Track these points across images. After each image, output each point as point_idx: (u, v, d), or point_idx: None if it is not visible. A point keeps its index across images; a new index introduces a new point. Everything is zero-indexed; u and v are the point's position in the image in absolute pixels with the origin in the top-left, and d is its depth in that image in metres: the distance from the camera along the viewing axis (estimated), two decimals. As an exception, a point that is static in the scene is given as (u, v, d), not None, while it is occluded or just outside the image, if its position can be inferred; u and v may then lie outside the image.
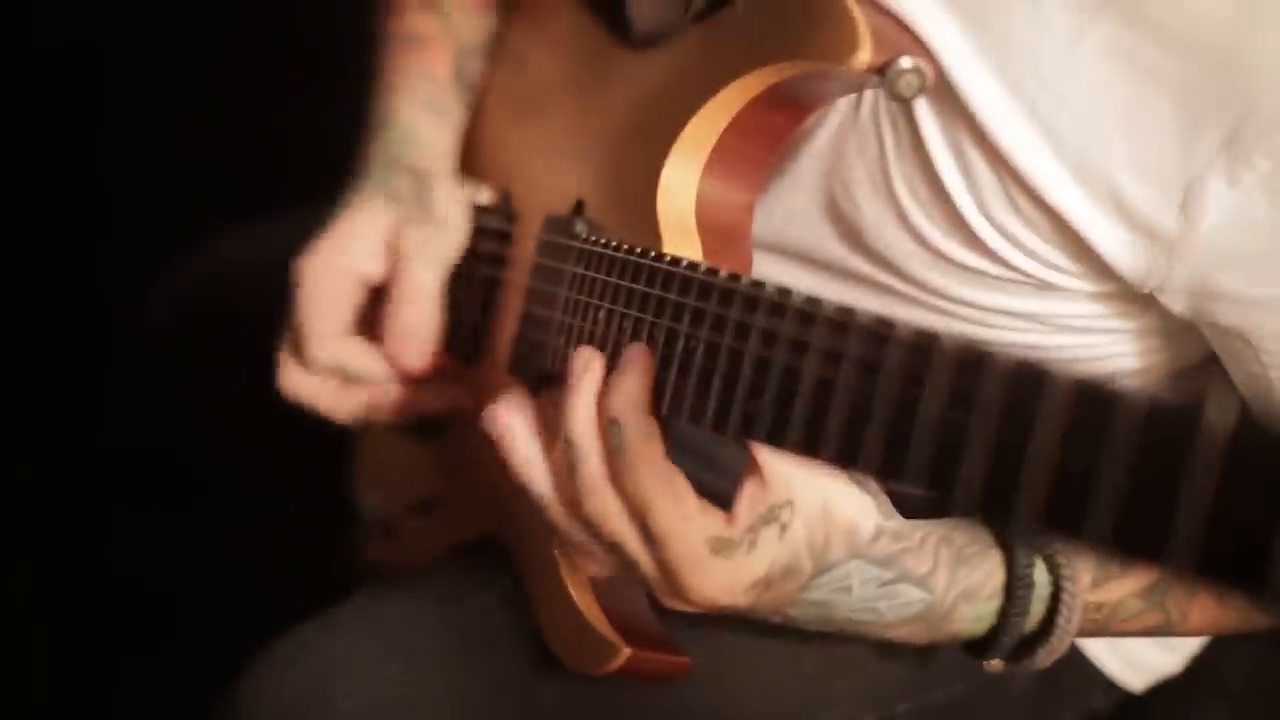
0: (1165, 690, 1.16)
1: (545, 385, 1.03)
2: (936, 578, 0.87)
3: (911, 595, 0.87)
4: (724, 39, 0.94)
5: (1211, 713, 1.21)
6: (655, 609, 0.98)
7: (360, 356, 1.09)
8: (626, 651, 0.94)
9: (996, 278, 0.92)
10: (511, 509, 1.07)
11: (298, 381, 1.11)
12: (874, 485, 0.86)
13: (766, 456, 0.82)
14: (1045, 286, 0.91)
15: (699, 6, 0.96)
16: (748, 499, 0.82)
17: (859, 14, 0.84)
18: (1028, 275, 0.91)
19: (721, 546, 0.82)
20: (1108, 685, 1.13)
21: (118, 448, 2.18)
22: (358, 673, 1.06)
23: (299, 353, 1.10)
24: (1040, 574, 0.89)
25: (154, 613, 2.02)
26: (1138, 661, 1.13)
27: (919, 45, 0.85)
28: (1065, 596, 0.88)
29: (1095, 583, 0.90)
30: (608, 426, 0.83)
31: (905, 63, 0.84)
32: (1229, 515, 0.54)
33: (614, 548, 0.85)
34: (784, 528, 0.82)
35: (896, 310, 0.97)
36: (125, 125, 2.42)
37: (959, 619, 0.89)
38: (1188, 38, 0.79)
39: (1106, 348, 0.95)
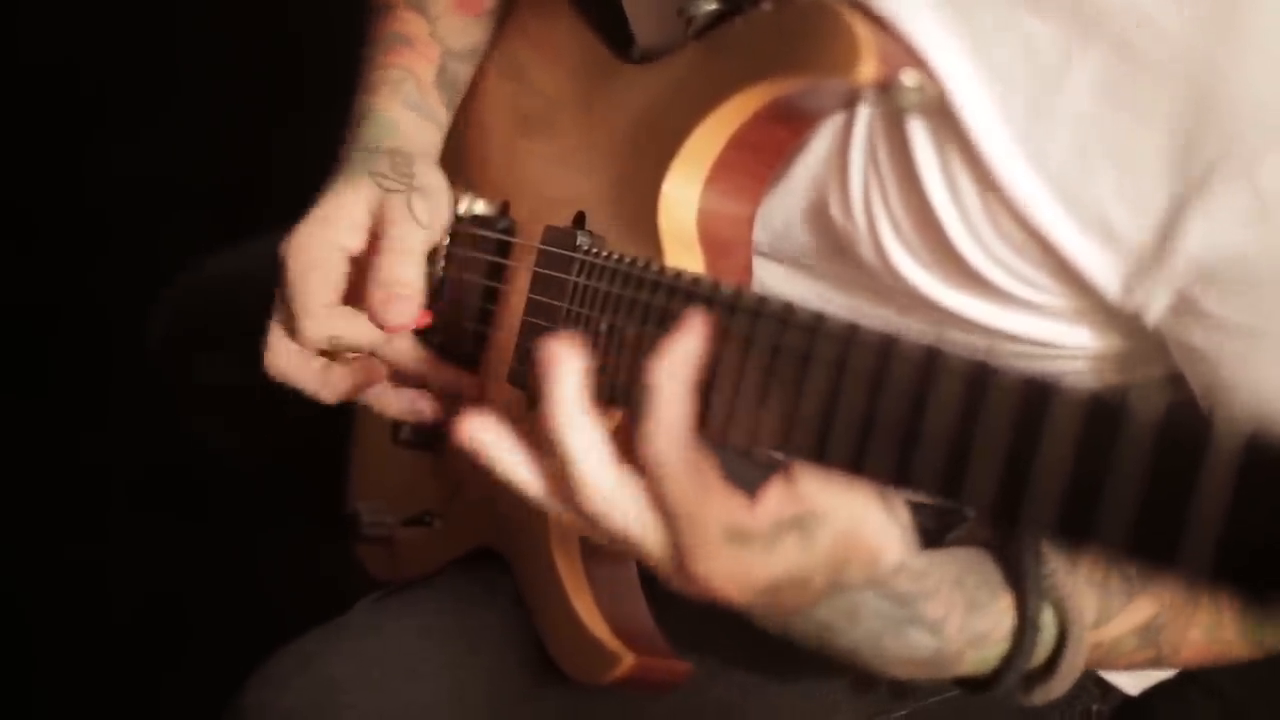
0: (1158, 691, 1.17)
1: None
2: (949, 624, 0.86)
3: (921, 640, 0.86)
4: (724, 54, 0.95)
5: (1202, 711, 1.22)
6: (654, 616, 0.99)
7: (351, 323, 1.07)
8: (630, 659, 0.95)
9: (979, 292, 0.93)
10: (511, 521, 1.07)
11: (285, 361, 1.09)
12: (905, 518, 0.83)
13: (803, 467, 0.78)
14: (1022, 304, 0.93)
15: (700, 23, 0.97)
16: (776, 499, 0.78)
17: (860, 28, 0.85)
18: (1008, 293, 0.92)
19: (737, 535, 0.78)
20: (1104, 689, 1.14)
21: (123, 461, 2.18)
22: (361, 684, 1.06)
23: (292, 330, 1.08)
24: (1047, 617, 0.88)
25: (159, 623, 2.02)
26: (1134, 667, 1.14)
27: (919, 62, 0.86)
28: (1071, 641, 0.88)
29: (1095, 623, 0.90)
30: (642, 391, 0.78)
31: (909, 79, 0.85)
32: (1240, 526, 0.55)
33: (622, 524, 0.81)
34: (807, 538, 0.78)
35: (885, 315, 0.99)
36: (123, 144, 2.42)
37: (964, 664, 0.88)
38: (1170, 70, 0.81)
39: (1061, 364, 0.96)
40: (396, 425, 1.19)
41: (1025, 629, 0.87)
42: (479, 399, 1.13)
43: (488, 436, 0.83)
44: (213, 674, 1.23)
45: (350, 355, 1.11)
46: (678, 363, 0.78)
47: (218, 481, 1.85)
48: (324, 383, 1.10)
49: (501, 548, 1.10)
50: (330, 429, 1.35)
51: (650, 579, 0.99)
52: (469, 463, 1.13)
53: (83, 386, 2.26)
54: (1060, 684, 0.89)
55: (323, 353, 1.10)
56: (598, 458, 0.80)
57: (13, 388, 2.26)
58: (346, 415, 1.35)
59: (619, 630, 0.97)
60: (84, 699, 1.97)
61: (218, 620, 1.98)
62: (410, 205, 1.09)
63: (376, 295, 1.06)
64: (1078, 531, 0.60)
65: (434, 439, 1.19)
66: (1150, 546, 0.58)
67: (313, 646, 1.09)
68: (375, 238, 1.09)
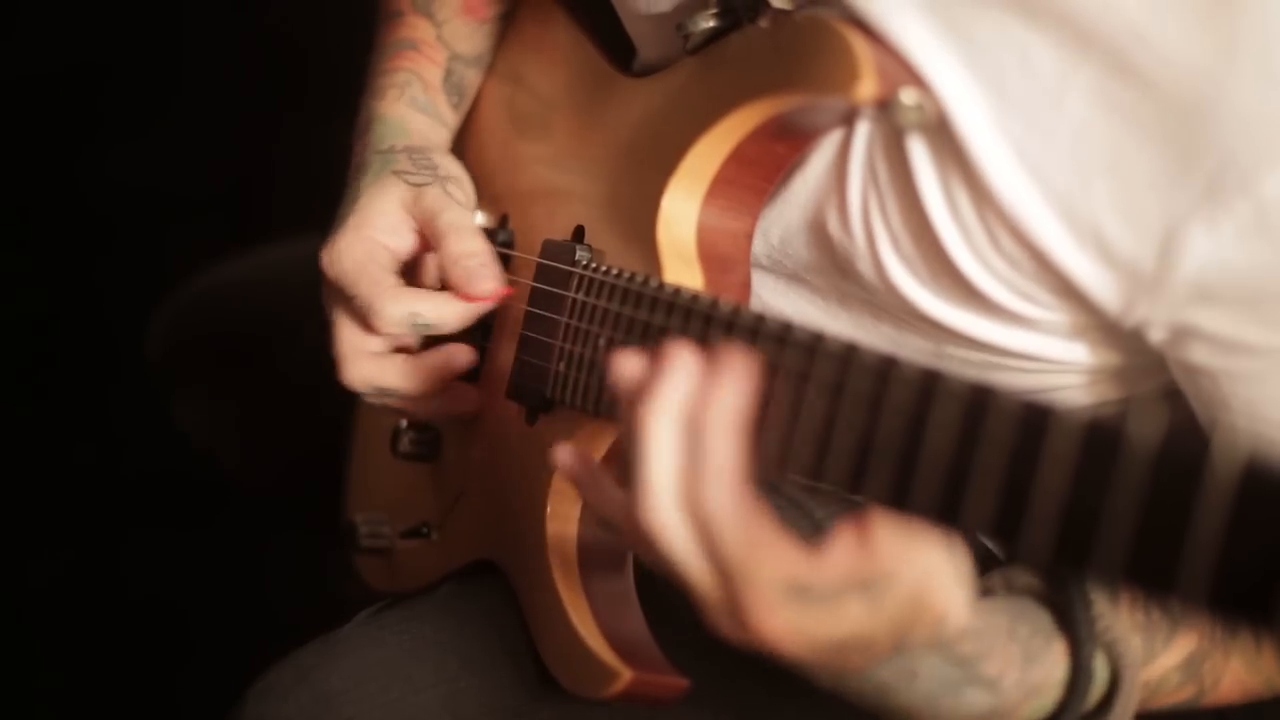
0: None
1: (543, 413, 1.04)
2: (1006, 679, 0.85)
3: (978, 699, 0.84)
4: (723, 70, 0.95)
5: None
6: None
7: (428, 301, 1.05)
8: (628, 674, 0.94)
9: (978, 309, 0.93)
10: (509, 534, 1.07)
11: (363, 364, 1.07)
12: (969, 575, 0.78)
13: (878, 518, 0.74)
14: (1022, 320, 0.92)
15: (697, 40, 0.97)
16: (844, 554, 0.75)
17: (859, 46, 0.85)
18: (1008, 309, 0.92)
19: (799, 591, 0.74)
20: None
21: (124, 469, 2.19)
22: (359, 697, 1.06)
23: (367, 323, 1.05)
24: (1099, 661, 0.87)
25: (160, 633, 2.03)
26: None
27: (918, 80, 0.86)
28: (1125, 685, 0.87)
29: (1142, 663, 0.89)
30: (692, 436, 0.75)
31: (909, 98, 0.85)
32: (1238, 552, 0.55)
33: (673, 567, 0.77)
34: (876, 600, 0.75)
35: (883, 330, 0.99)
36: (125, 151, 2.43)
37: (1019, 716, 0.87)
38: (1167, 85, 0.80)
39: (1059, 379, 0.96)
40: (395, 437, 1.19)
41: (1079, 676, 0.86)
42: (478, 414, 1.13)
43: (632, 364, 0.79)
44: (212, 684, 1.23)
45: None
46: (726, 408, 0.74)
47: (218, 490, 1.85)
48: (410, 374, 1.07)
49: (500, 561, 1.10)
50: (331, 438, 1.35)
51: (648, 594, 0.99)
52: (471, 473, 1.14)
53: (84, 393, 2.27)
54: None
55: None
56: (670, 476, 0.75)
57: (14, 394, 2.26)
58: (347, 424, 1.35)
59: (616, 645, 0.97)
60: (86, 708, 1.97)
61: (218, 630, 1.99)
62: (448, 192, 1.09)
63: (456, 273, 1.04)
64: (1075, 556, 0.60)
65: (433, 451, 1.19)
66: (1147, 572, 0.58)
67: (311, 659, 1.09)
68: (420, 230, 1.08)
